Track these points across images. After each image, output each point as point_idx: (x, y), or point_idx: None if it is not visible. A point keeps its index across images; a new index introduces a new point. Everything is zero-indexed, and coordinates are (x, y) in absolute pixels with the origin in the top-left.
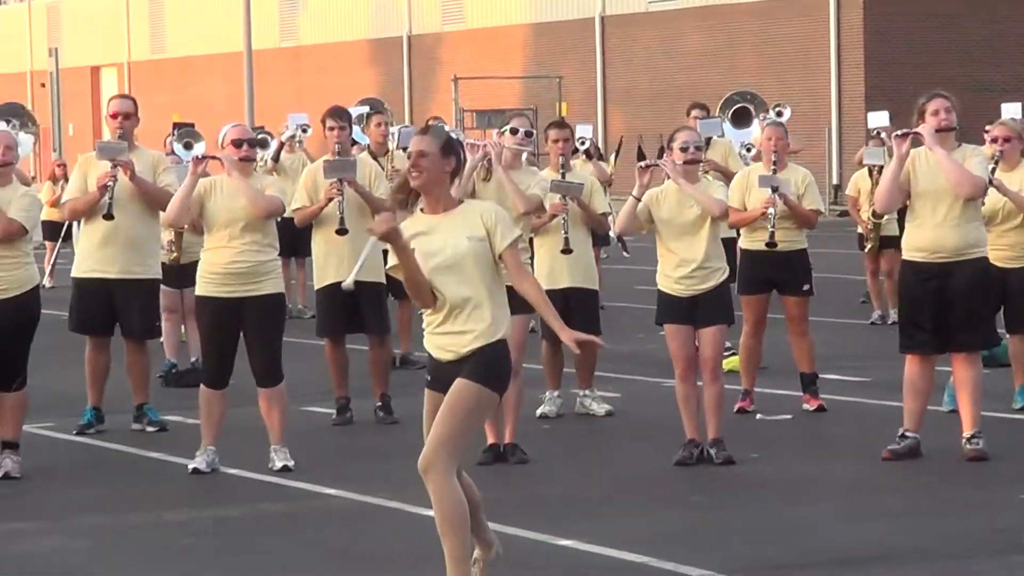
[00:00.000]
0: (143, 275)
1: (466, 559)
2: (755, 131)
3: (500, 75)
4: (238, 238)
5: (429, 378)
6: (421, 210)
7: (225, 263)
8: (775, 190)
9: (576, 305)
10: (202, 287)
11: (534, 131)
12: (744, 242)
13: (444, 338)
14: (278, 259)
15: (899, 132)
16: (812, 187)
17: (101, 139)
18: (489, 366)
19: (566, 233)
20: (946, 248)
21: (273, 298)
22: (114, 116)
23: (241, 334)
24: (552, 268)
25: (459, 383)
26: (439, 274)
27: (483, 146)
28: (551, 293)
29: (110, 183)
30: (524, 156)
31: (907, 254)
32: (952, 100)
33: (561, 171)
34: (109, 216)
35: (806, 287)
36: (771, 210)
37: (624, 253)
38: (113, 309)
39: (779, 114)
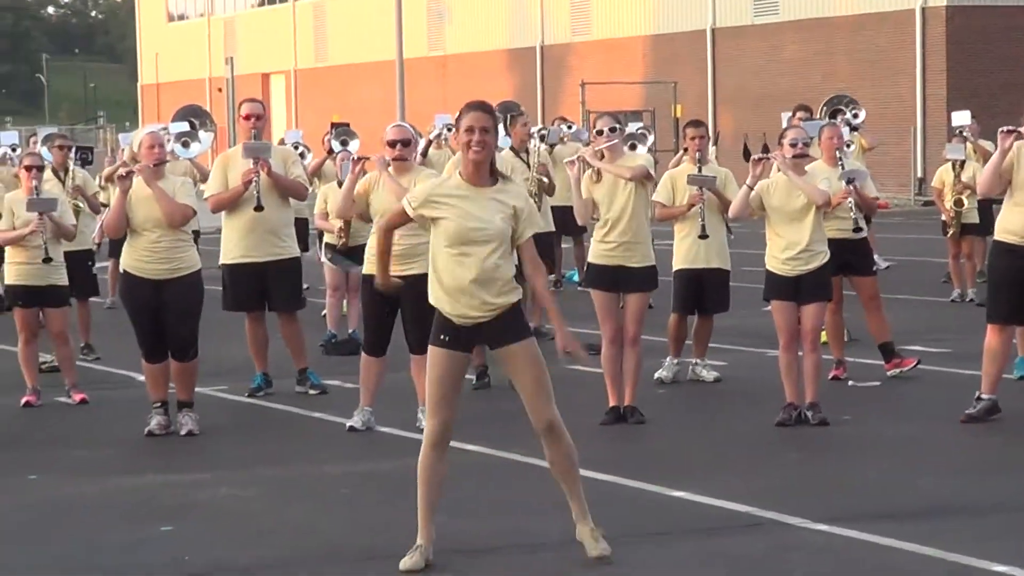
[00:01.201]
0: (285, 255)
1: None
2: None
3: (622, 80)
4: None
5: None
6: (459, 173)
7: None
8: (850, 182)
9: (709, 283)
10: (367, 266)
11: (618, 125)
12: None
13: None
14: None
15: (1005, 128)
16: (869, 179)
17: (246, 140)
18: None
19: (703, 220)
20: None
21: (423, 277)
22: (247, 118)
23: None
24: (690, 250)
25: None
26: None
27: (578, 158)
28: (689, 272)
29: (255, 179)
30: (628, 145)
31: (999, 235)
32: None
33: (698, 165)
34: (259, 208)
35: (875, 268)
36: (850, 200)
37: (729, 235)
38: (262, 287)
39: (855, 116)
